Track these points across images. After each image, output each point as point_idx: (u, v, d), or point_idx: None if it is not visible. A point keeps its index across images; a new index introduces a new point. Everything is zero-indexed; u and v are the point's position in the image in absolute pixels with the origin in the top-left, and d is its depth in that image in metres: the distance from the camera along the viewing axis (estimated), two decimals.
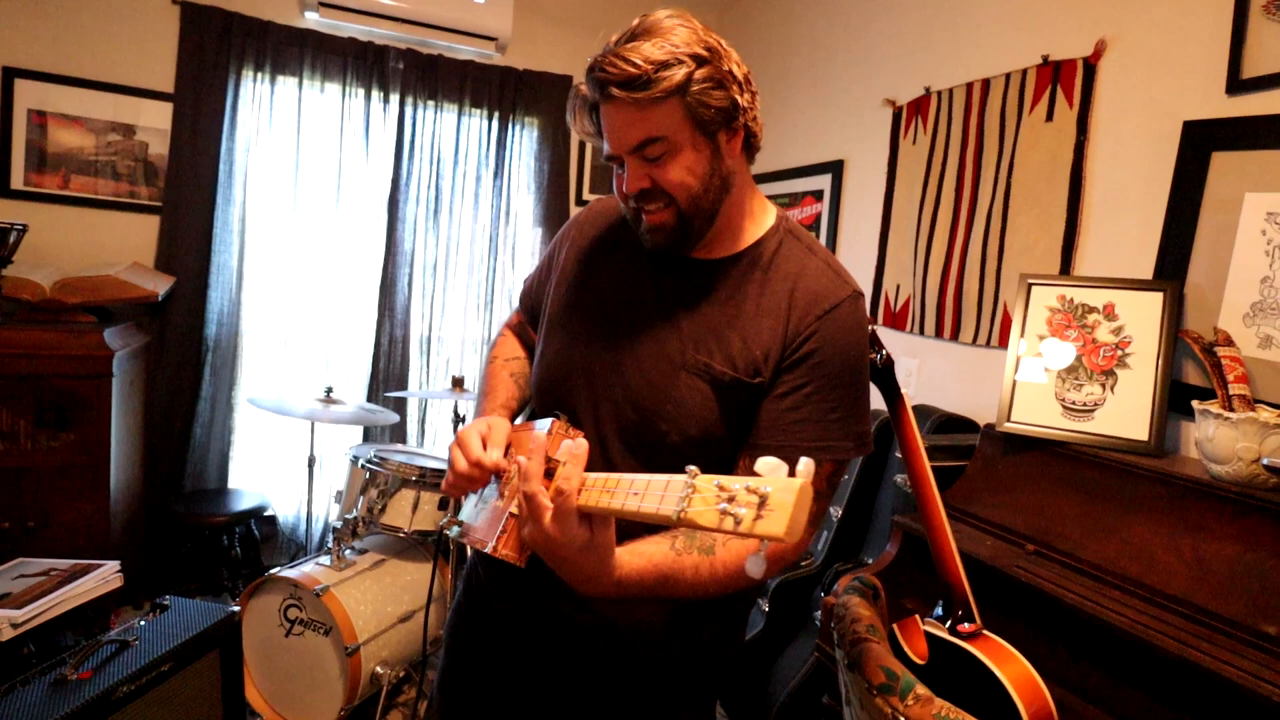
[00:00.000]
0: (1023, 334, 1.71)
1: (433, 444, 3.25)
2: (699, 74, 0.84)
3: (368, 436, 3.09)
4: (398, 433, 3.13)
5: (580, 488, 0.73)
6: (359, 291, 3.05)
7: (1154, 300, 1.56)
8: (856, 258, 2.59)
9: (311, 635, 2.03)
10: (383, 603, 2.13)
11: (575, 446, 0.75)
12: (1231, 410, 1.30)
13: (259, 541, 2.86)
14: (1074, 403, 1.60)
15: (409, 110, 3.00)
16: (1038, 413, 1.64)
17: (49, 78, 2.56)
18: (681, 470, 0.66)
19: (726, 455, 0.95)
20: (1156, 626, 1.17)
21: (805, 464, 0.57)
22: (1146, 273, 1.64)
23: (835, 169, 2.73)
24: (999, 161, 2.01)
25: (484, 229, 3.21)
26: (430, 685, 1.58)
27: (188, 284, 2.73)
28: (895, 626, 1.15)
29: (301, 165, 2.87)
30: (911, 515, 1.64)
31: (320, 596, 1.98)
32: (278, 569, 2.11)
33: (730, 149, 0.91)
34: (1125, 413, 1.54)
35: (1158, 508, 1.36)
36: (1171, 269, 1.59)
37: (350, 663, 1.96)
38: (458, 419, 2.68)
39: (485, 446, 0.94)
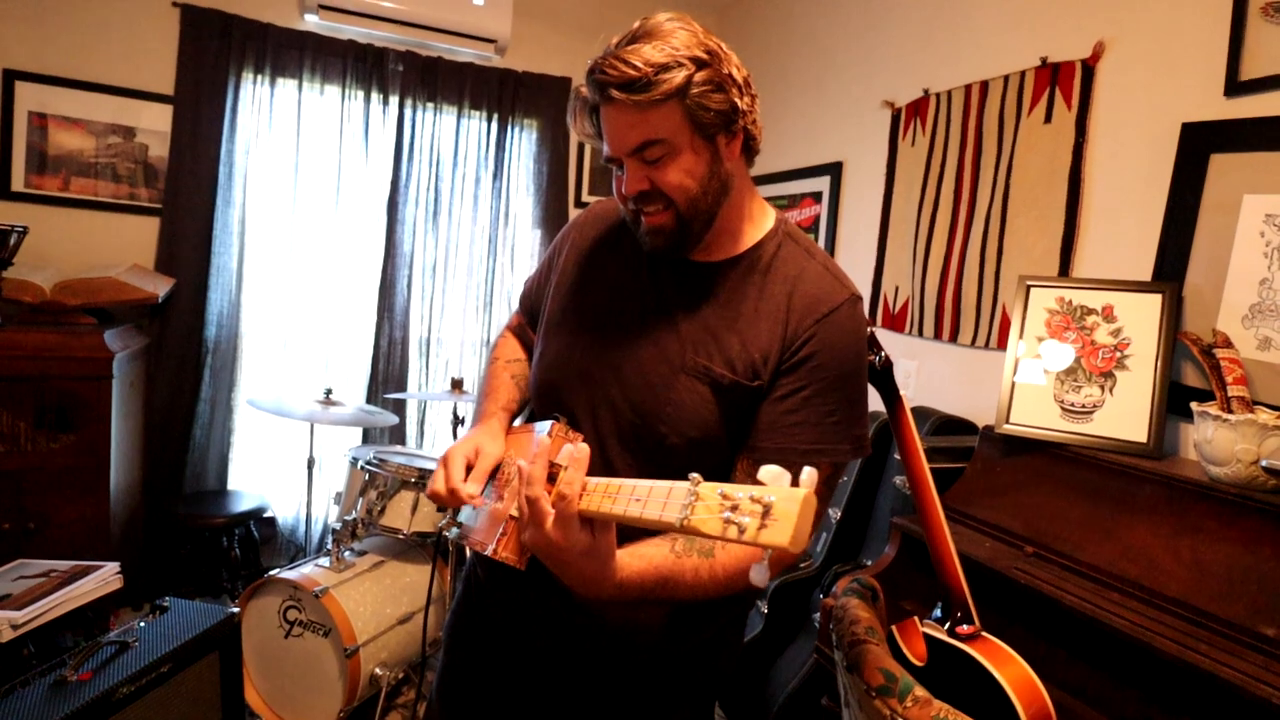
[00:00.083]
0: (1021, 336, 1.71)
1: (432, 445, 3.25)
2: (699, 77, 0.85)
3: (367, 438, 3.09)
4: (397, 434, 3.13)
5: (582, 492, 0.73)
6: (358, 293, 3.05)
7: (1153, 302, 1.56)
8: (855, 259, 2.59)
9: (311, 637, 2.03)
10: (382, 604, 2.13)
11: (577, 451, 0.75)
12: (1230, 412, 1.30)
13: (258, 543, 2.86)
14: (1073, 404, 1.60)
15: (408, 112, 3.00)
16: (1036, 414, 1.64)
17: (49, 80, 2.56)
18: (681, 472, 0.66)
19: (725, 458, 0.95)
20: (1155, 628, 1.17)
21: (809, 474, 0.58)
22: (1145, 275, 1.65)
23: (834, 171, 2.73)
24: (998, 163, 2.02)
25: (483, 231, 3.22)
26: (429, 687, 1.58)
27: (188, 286, 2.73)
28: (894, 628, 1.15)
29: (301, 167, 2.87)
30: (910, 517, 1.64)
31: (320, 598, 1.98)
32: (277, 570, 2.11)
33: (729, 152, 0.91)
34: (1124, 414, 1.54)
35: (1157, 509, 1.36)
36: (1170, 271, 1.59)
37: (349, 664, 1.96)
38: (457, 420, 2.68)
39: (469, 473, 0.95)
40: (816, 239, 2.80)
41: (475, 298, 3.24)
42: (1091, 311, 1.64)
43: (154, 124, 2.69)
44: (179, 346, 2.74)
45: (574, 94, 0.93)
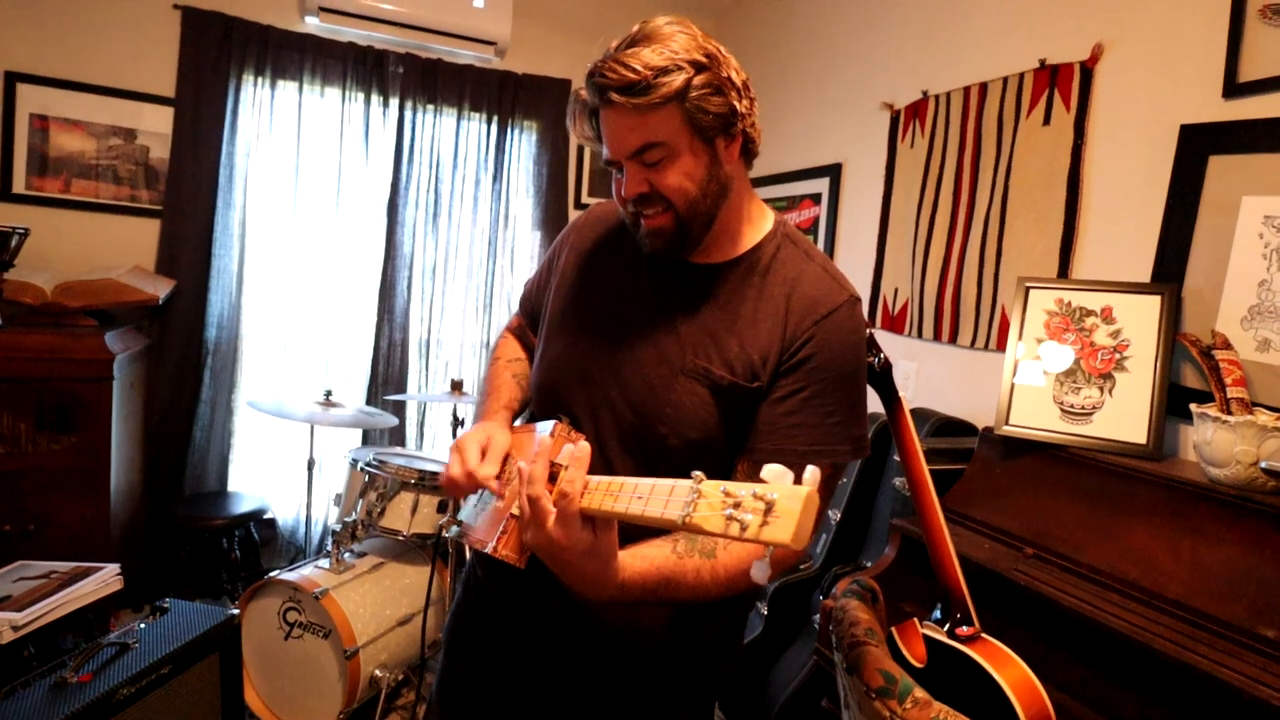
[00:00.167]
0: (1021, 337, 1.71)
1: (432, 447, 3.25)
2: (698, 80, 0.85)
3: (367, 439, 3.09)
4: (397, 436, 3.13)
5: (583, 491, 0.73)
6: (358, 295, 3.05)
7: (1152, 303, 1.56)
8: (854, 261, 2.59)
9: (311, 638, 2.03)
10: (382, 605, 2.13)
11: (578, 450, 0.75)
12: (1230, 413, 1.31)
13: (258, 544, 2.85)
14: (1072, 406, 1.60)
15: (408, 114, 3.01)
16: (1036, 416, 1.64)
17: (51, 82, 2.56)
18: (681, 473, 0.66)
19: (725, 459, 0.95)
20: (1155, 629, 1.17)
21: (811, 472, 0.58)
22: (1144, 276, 1.65)
23: (833, 172, 2.74)
24: (996, 165, 2.02)
25: (483, 232, 3.22)
26: (429, 688, 1.58)
27: (188, 287, 2.73)
28: (894, 630, 1.15)
29: (301, 169, 2.88)
30: (910, 518, 1.64)
31: (319, 599, 1.98)
32: (277, 572, 2.11)
33: (728, 154, 0.92)
34: (1123, 416, 1.54)
35: (1156, 511, 1.36)
36: (1169, 272, 1.59)
37: (349, 665, 1.96)
38: (457, 422, 2.68)
39: (484, 457, 0.95)
40: (816, 240, 2.80)
41: (475, 299, 3.25)
42: (1091, 313, 1.64)
43: (155, 126, 2.70)
44: (179, 348, 2.75)
45: (573, 97, 0.94)
